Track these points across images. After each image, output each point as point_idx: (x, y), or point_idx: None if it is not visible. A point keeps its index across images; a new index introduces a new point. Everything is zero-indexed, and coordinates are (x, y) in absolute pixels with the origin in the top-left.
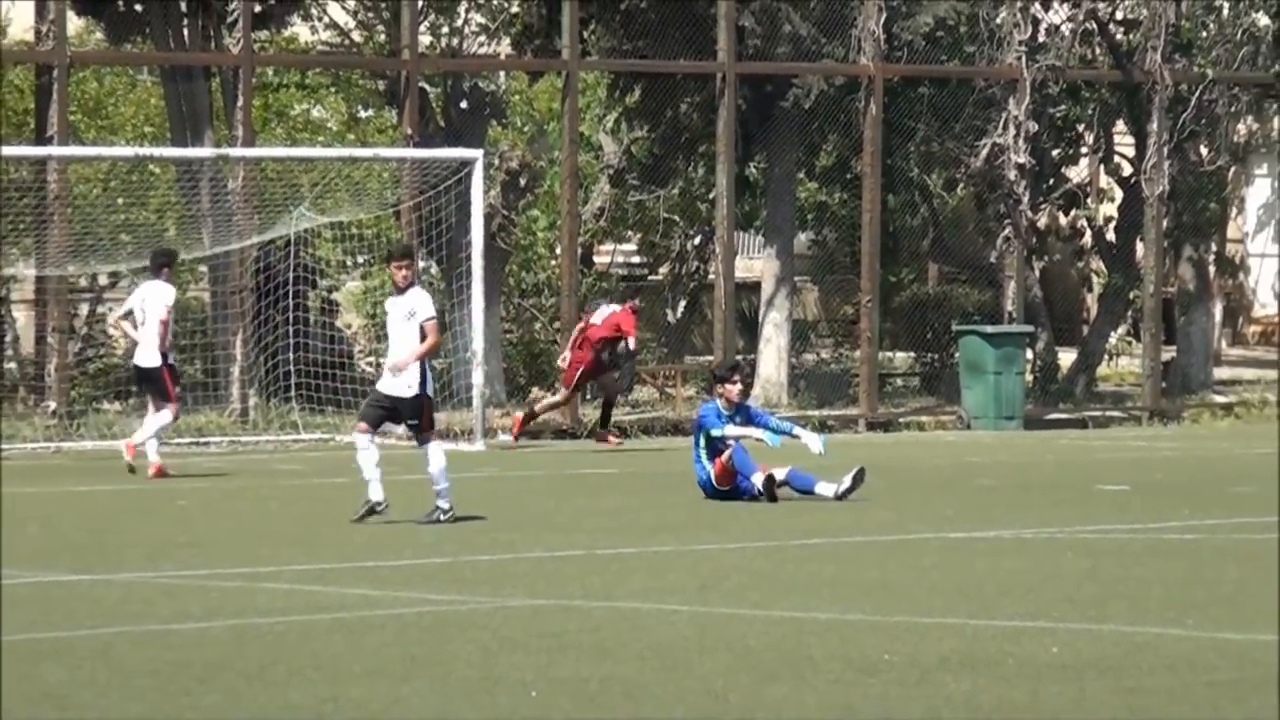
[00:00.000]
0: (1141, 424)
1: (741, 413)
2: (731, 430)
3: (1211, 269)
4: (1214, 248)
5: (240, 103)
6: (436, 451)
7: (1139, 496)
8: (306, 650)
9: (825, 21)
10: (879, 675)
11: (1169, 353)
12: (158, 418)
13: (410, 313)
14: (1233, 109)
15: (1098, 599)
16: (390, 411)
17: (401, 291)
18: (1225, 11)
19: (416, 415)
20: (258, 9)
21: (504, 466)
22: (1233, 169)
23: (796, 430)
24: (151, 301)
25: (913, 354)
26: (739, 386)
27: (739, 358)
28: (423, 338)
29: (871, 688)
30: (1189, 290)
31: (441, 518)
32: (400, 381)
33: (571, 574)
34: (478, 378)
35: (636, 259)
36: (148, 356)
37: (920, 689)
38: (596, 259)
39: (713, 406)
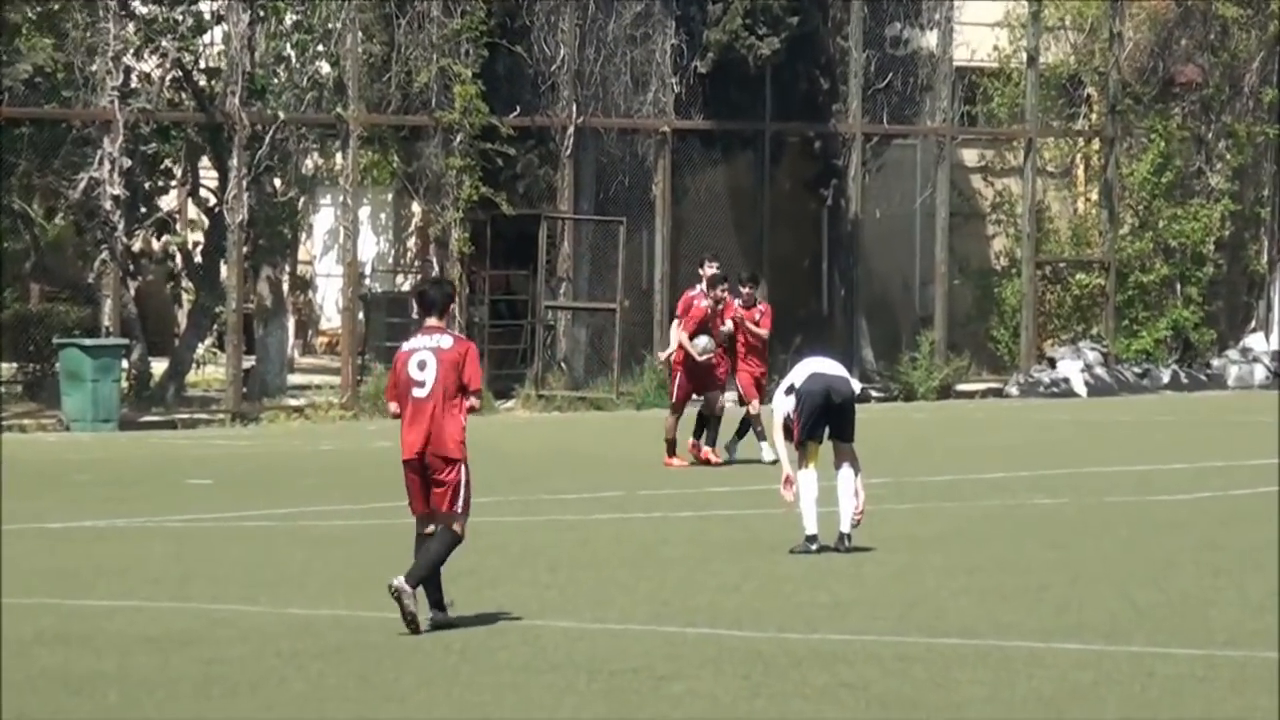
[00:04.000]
0: (225, 425)
1: None
2: None
3: (285, 286)
4: (288, 268)
5: None
6: None
7: (222, 490)
8: None
9: None
10: None
11: (249, 361)
12: None
13: None
14: (301, 146)
15: (183, 579)
16: None
17: None
18: (294, 61)
19: None
20: None
21: None
22: (302, 199)
23: None
24: None
25: (17, 364)
26: None
27: None
28: None
29: None
30: (267, 306)
31: None
32: None
33: None
34: None
35: None
36: None
37: (20, 661)
38: None
39: None
